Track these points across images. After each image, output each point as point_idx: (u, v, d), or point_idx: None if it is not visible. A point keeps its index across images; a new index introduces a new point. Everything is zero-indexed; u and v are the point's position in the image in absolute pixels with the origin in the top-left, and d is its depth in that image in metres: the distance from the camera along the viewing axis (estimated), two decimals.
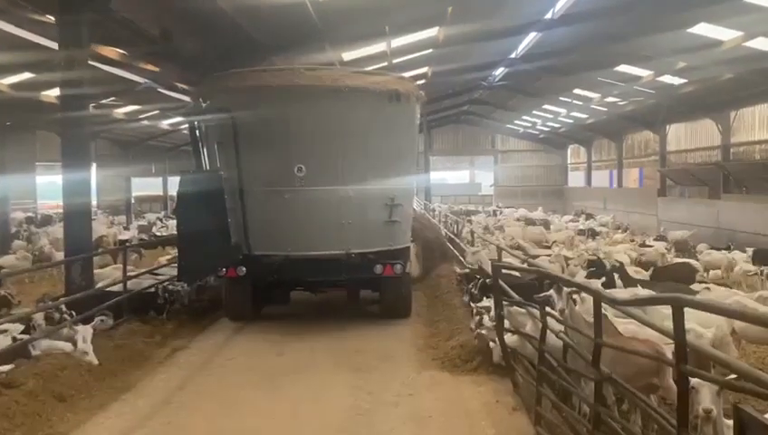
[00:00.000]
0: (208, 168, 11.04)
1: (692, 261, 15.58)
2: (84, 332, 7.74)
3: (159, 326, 9.83)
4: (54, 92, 22.28)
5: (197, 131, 11.32)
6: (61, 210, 34.88)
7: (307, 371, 8.01)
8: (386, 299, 11.15)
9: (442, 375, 7.57)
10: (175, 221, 31.97)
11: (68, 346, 7.50)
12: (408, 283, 11.35)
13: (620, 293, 7.04)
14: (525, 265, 9.28)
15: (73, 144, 9.60)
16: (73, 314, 8.17)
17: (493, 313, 7.04)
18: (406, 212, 11.38)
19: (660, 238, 23.29)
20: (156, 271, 12.74)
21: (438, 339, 8.95)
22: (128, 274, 11.93)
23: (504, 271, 7.37)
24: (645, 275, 12.29)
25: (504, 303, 6.62)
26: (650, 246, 19.93)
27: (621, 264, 12.34)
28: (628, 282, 9.92)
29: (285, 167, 10.15)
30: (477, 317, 7.55)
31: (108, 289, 10.56)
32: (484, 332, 7.31)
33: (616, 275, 10.39)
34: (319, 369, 8.10)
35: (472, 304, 8.25)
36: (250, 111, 10.15)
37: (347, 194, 10.35)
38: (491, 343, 7.18)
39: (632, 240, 23.11)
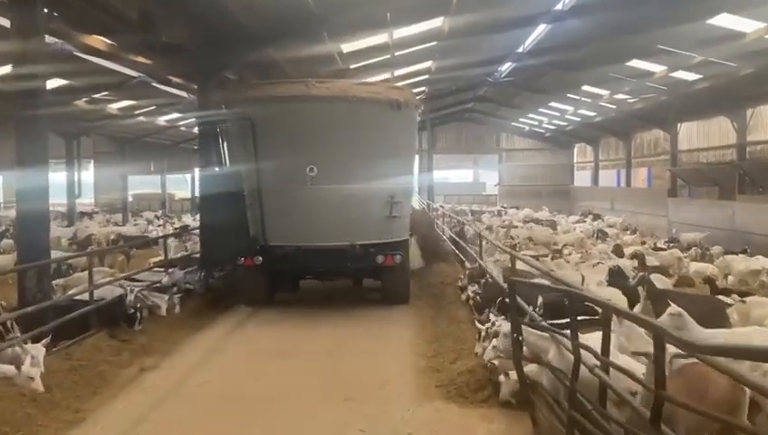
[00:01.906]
0: (229, 168, 12.46)
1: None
2: (35, 351, 6.67)
3: (129, 341, 8.66)
4: (47, 84, 21.40)
5: (220, 134, 12.75)
6: (57, 208, 34.01)
7: (289, 400, 6.89)
8: (386, 286, 12.32)
9: (447, 408, 6.42)
10: (164, 220, 31.17)
11: (11, 370, 6.41)
12: (406, 272, 12.49)
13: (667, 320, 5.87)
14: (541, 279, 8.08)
15: (28, 142, 8.56)
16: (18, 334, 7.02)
17: (501, 334, 5.98)
18: (405, 208, 12.54)
19: (673, 241, 22.27)
20: (134, 276, 11.69)
21: (443, 360, 7.81)
22: (103, 279, 11.00)
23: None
24: (668, 283, 11.18)
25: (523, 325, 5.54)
26: (662, 249, 18.88)
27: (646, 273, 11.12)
28: (659, 298, 8.68)
29: (298, 167, 11.37)
30: (486, 341, 6.41)
31: (77, 298, 9.53)
32: (496, 362, 6.18)
33: (641, 289, 9.24)
34: (303, 398, 6.96)
35: (479, 325, 7.05)
36: (267, 117, 11.46)
37: (352, 192, 11.54)
38: (501, 377, 6.00)
39: (643, 242, 22.03)
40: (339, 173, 11.46)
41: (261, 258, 11.64)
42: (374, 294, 12.70)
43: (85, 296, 9.37)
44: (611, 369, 4.22)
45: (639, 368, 4.50)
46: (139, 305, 9.39)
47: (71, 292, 10.03)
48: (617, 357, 4.64)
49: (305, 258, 11.58)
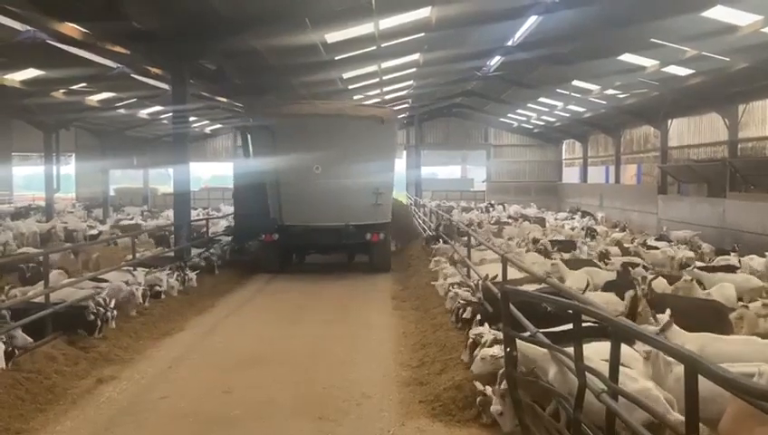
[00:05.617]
0: (254, 165, 16.50)
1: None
2: None
3: (89, 348, 7.94)
4: (19, 76, 20.56)
5: (248, 139, 17.53)
6: (39, 202, 33.14)
7: (255, 418, 6.20)
8: (373, 258, 16.01)
9: (433, 428, 5.77)
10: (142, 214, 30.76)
11: None
12: (388, 247, 16.44)
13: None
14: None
15: None
16: None
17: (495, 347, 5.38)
18: (387, 198, 16.26)
19: (662, 238, 21.84)
20: (101, 275, 10.95)
21: (428, 371, 7.17)
22: (65, 281, 10.30)
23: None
24: (666, 285, 10.61)
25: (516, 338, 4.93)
26: (655, 247, 18.39)
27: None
28: (658, 303, 8.12)
29: (307, 166, 14.90)
30: (478, 353, 5.79)
31: (34, 301, 8.80)
32: (480, 386, 5.42)
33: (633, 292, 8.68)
34: (271, 415, 6.27)
35: (472, 334, 6.40)
36: (284, 127, 15.20)
37: (347, 185, 15.07)
38: (488, 389, 5.32)
39: (633, 239, 21.56)
40: (337, 171, 14.99)
41: (277, 235, 15.23)
42: (364, 266, 16.04)
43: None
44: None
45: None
46: (103, 309, 8.66)
47: (29, 293, 9.29)
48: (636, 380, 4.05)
49: (311, 235, 15.15)
